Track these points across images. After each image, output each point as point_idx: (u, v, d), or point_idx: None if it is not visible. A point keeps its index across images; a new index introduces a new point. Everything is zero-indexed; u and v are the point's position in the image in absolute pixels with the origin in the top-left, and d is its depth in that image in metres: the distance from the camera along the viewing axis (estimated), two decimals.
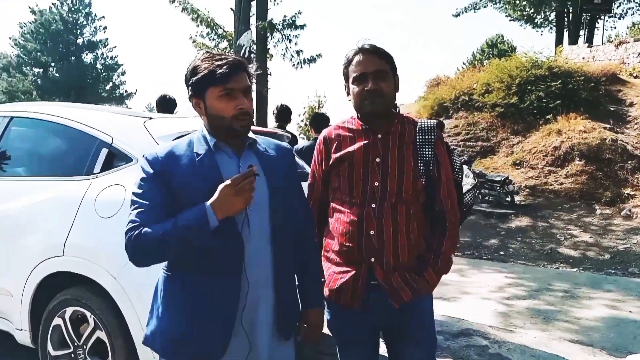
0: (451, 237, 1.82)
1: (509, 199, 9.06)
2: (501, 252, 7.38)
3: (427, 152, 1.77)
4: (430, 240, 1.81)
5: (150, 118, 2.68)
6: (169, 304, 1.52)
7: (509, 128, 11.77)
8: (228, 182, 1.39)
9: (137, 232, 1.40)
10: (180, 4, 12.30)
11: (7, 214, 2.72)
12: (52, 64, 32.27)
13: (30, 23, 31.86)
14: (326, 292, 1.82)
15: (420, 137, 1.78)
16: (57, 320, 2.55)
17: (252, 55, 11.46)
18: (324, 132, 1.90)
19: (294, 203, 1.67)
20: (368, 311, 1.77)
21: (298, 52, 12.69)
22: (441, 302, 4.76)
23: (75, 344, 2.52)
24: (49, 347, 2.58)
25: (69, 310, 2.51)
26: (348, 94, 1.83)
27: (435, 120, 1.86)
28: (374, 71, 1.73)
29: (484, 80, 13.05)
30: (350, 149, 1.79)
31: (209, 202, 1.39)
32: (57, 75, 32.14)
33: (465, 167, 2.11)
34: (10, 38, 32.30)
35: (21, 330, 2.69)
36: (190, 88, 1.53)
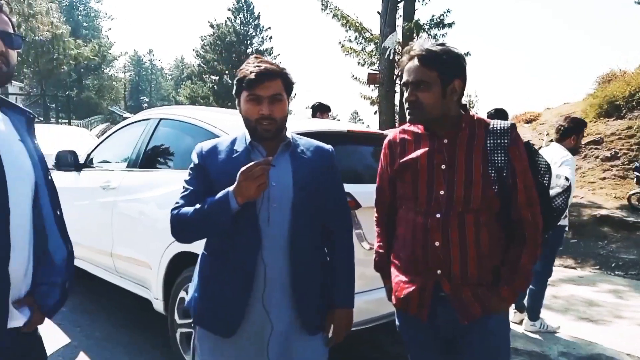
0: (530, 250, 1.65)
1: None
2: None
3: (499, 158, 1.62)
4: (507, 253, 1.67)
5: None
6: (199, 278, 1.71)
7: None
8: (243, 168, 1.49)
9: (177, 211, 1.61)
10: (331, 11, 12.86)
11: (151, 200, 3.23)
12: (226, 72, 36.19)
13: (209, 36, 36.25)
14: (393, 300, 1.81)
15: (492, 141, 1.63)
16: (182, 293, 2.96)
17: (397, 57, 11.52)
18: (389, 136, 1.85)
19: (328, 204, 1.71)
20: (435, 322, 1.71)
21: None
22: (587, 324, 4.29)
23: None
24: (176, 316, 3.01)
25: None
26: None
27: (509, 122, 1.68)
28: (413, 81, 1.65)
29: None
30: (414, 154, 1.71)
31: (232, 187, 1.53)
32: (229, 81, 35.95)
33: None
34: (193, 50, 37.25)
35: (157, 299, 3.18)
36: (234, 88, 1.68)
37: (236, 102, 1.69)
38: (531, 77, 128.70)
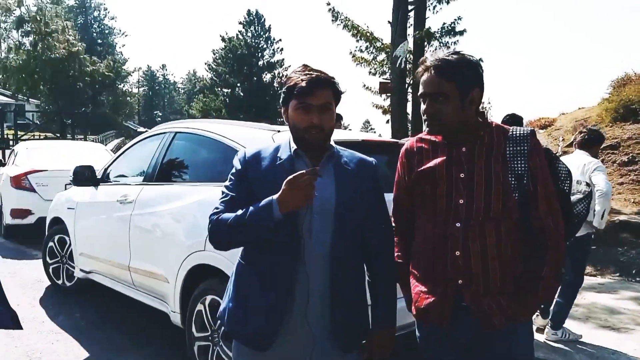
0: (553, 259, 1.62)
1: None
2: None
3: (519, 166, 1.59)
4: (529, 262, 1.63)
5: (279, 131, 2.96)
6: (235, 287, 1.68)
7: None
8: (289, 177, 1.47)
9: (216, 217, 1.59)
10: (341, 22, 12.92)
11: (168, 213, 3.26)
12: (238, 85, 36.54)
13: (221, 49, 36.65)
14: (413, 310, 1.77)
15: (511, 148, 1.60)
16: (199, 306, 2.96)
17: (409, 66, 11.52)
18: (406, 145, 1.83)
19: (370, 219, 1.69)
20: (456, 332, 1.68)
21: None
22: (609, 332, 4.20)
23: (213, 328, 2.90)
24: (193, 329, 3.01)
25: (208, 298, 2.90)
26: None
27: (530, 129, 1.65)
28: (431, 94, 1.62)
29: None
30: (432, 163, 1.68)
31: (276, 196, 1.50)
32: (241, 94, 36.31)
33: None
34: (205, 63, 37.67)
35: (174, 312, 3.19)
36: (281, 96, 1.67)
37: (282, 110, 1.68)
38: (544, 83, 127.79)
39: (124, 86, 40.07)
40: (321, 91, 1.58)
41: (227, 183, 1.68)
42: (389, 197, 1.86)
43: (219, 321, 2.80)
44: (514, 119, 4.40)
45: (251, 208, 1.53)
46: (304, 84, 1.56)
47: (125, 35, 75.04)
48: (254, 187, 1.61)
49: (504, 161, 1.61)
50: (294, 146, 1.65)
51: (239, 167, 1.67)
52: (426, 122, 1.67)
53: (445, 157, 1.67)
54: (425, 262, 1.71)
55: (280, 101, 1.68)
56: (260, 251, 1.62)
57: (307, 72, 1.61)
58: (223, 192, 1.66)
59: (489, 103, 18.31)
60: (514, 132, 1.64)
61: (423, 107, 1.66)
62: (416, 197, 1.75)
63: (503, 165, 1.60)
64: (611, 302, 5.09)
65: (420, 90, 1.65)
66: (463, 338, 1.69)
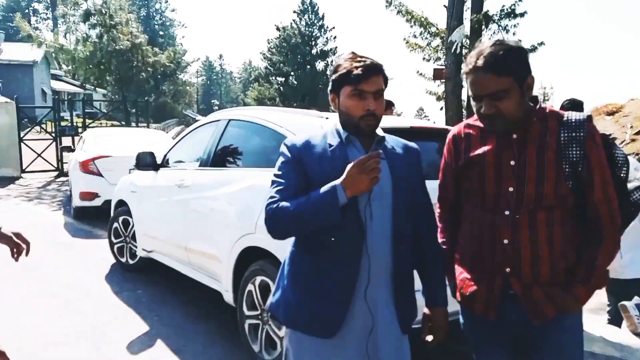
0: (607, 249, 1.56)
1: None
2: None
3: (574, 153, 1.53)
4: (583, 252, 1.59)
5: (327, 118, 3.00)
6: (293, 278, 1.65)
7: None
8: (356, 161, 1.48)
9: (275, 205, 1.56)
10: (395, 7, 12.71)
11: (221, 197, 3.40)
12: (292, 73, 36.75)
13: (276, 39, 37.00)
14: (458, 296, 1.76)
15: (566, 134, 1.54)
16: (249, 286, 3.09)
17: (465, 51, 11.19)
18: (454, 130, 1.79)
19: (416, 200, 1.71)
20: (503, 323, 1.66)
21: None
22: None
23: (262, 307, 3.02)
24: (244, 307, 3.15)
25: (258, 279, 3.02)
26: None
27: (587, 114, 1.57)
28: (488, 94, 1.53)
29: None
30: (481, 150, 1.64)
31: (339, 181, 1.49)
32: (295, 82, 36.53)
33: (635, 160, 1.78)
34: (260, 53, 38.18)
35: (227, 291, 3.33)
36: (330, 83, 1.67)
37: (330, 97, 1.68)
38: (613, 66, 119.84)
39: (183, 76, 41.38)
40: (375, 77, 1.60)
41: (278, 172, 1.65)
42: (435, 183, 1.87)
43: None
44: (573, 104, 4.21)
45: (314, 194, 1.52)
46: (359, 70, 1.57)
47: (185, 27, 77.70)
48: (309, 174, 1.60)
49: (558, 148, 1.55)
50: (344, 132, 1.66)
51: (289, 155, 1.65)
52: (486, 122, 1.60)
53: (494, 144, 1.62)
54: (472, 250, 1.69)
55: (330, 88, 1.68)
56: (322, 238, 1.58)
57: (359, 58, 1.62)
58: (275, 182, 1.63)
59: (552, 88, 17.49)
60: (570, 118, 1.57)
61: (479, 107, 1.58)
62: (464, 184, 1.72)
63: (557, 152, 1.55)
64: None
65: (474, 92, 1.56)
66: (510, 330, 1.67)
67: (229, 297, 3.33)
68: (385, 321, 1.62)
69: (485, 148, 1.64)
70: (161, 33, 56.75)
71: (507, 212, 1.58)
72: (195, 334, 3.61)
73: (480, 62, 1.52)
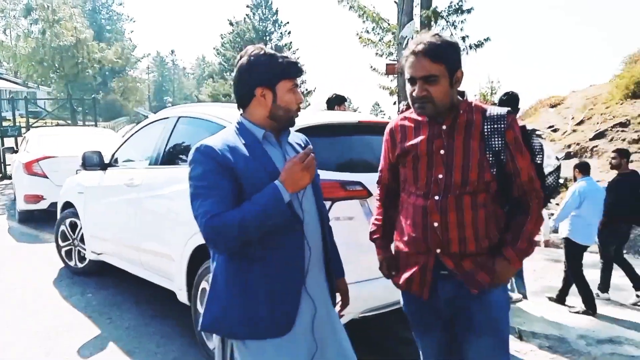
0: (534, 217, 1.74)
1: None
2: None
3: (496, 142, 1.69)
4: (510, 222, 1.75)
5: None
6: (229, 285, 1.58)
7: None
8: (295, 159, 1.52)
9: (217, 220, 1.46)
10: (347, 3, 12.82)
11: (173, 195, 3.35)
12: None
13: (229, 34, 36.56)
14: (397, 279, 1.89)
15: (489, 126, 1.70)
16: (203, 284, 3.07)
17: None
18: (391, 123, 1.92)
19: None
20: (436, 300, 1.79)
21: (463, 38, 12.24)
22: (611, 308, 4.27)
23: None
24: (198, 305, 3.13)
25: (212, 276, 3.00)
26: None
27: (506, 109, 1.74)
28: (422, 77, 1.68)
29: None
30: (415, 140, 1.79)
31: (278, 180, 1.50)
32: None
33: (547, 147, 1.96)
34: (214, 48, 37.64)
35: (181, 290, 3.30)
36: (256, 76, 1.59)
37: (258, 92, 1.60)
38: (556, 60, 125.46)
39: (133, 72, 40.20)
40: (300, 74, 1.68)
41: (203, 182, 1.52)
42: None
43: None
44: (510, 97, 4.44)
45: (254, 200, 1.49)
46: (297, 65, 1.63)
47: (134, 21, 75.17)
48: (240, 177, 1.53)
49: (482, 138, 1.70)
50: (261, 130, 1.63)
51: (212, 161, 1.52)
52: (416, 105, 1.73)
53: (427, 135, 1.76)
54: (408, 234, 1.81)
55: (255, 83, 1.60)
56: (265, 242, 1.55)
57: (283, 55, 1.65)
58: (204, 194, 1.50)
59: (498, 82, 18.09)
60: (492, 112, 1.73)
61: (412, 90, 1.72)
62: (401, 173, 1.86)
63: (481, 142, 1.70)
64: (615, 279, 5.10)
65: (409, 74, 1.71)
66: (443, 309, 1.80)
67: (183, 295, 3.30)
68: (322, 303, 1.68)
69: (419, 139, 1.78)
70: (108, 28, 54.71)
71: (437, 197, 1.72)
72: (149, 335, 3.56)
73: (419, 48, 1.69)
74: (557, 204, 8.55)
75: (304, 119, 2.99)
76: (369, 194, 2.75)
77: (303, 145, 1.78)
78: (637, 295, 4.84)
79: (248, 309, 1.56)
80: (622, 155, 5.27)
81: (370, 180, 2.63)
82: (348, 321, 2.73)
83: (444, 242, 1.71)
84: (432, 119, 1.76)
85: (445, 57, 1.68)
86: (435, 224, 1.72)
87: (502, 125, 1.70)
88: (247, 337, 1.58)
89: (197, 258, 3.12)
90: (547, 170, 1.94)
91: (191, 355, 3.24)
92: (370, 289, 2.72)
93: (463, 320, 1.78)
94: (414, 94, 1.72)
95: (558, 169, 2.08)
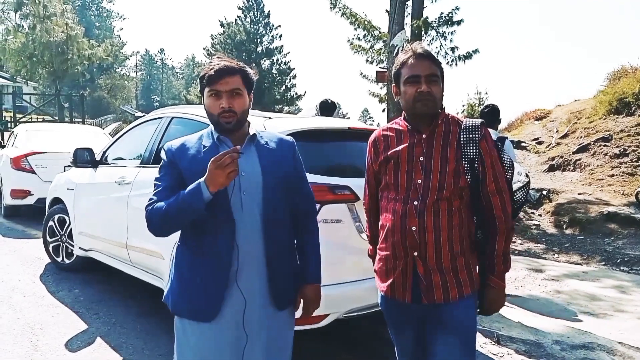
0: (502, 237, 1.84)
1: None
2: None
3: (471, 151, 1.81)
4: (485, 246, 1.86)
5: (270, 118, 3.10)
6: (176, 269, 1.81)
7: None
8: (213, 158, 1.59)
9: (151, 207, 1.71)
10: (340, 10, 12.95)
11: None
12: None
13: (220, 35, 36.50)
14: (378, 284, 1.97)
15: (465, 136, 1.83)
16: None
17: None
18: (374, 134, 2.03)
19: (294, 189, 1.86)
20: (411, 305, 1.87)
21: (453, 49, 12.42)
22: (587, 317, 4.39)
23: None
24: None
25: None
26: (397, 94, 1.91)
27: (480, 120, 1.88)
28: (427, 75, 1.81)
29: None
30: (397, 148, 1.89)
31: (202, 178, 1.62)
32: None
33: (517, 165, 2.08)
34: (204, 49, 37.56)
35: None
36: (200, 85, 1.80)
37: (202, 99, 1.79)
38: (543, 74, 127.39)
39: (121, 70, 39.95)
40: (230, 78, 1.72)
41: (158, 175, 1.79)
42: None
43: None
44: (491, 110, 4.60)
45: (182, 193, 1.65)
46: (212, 72, 1.72)
47: (124, 19, 74.65)
48: (185, 176, 1.72)
49: (459, 147, 1.83)
50: (216, 133, 1.78)
51: (166, 159, 1.78)
52: (420, 103, 1.82)
53: (408, 143, 1.88)
54: (387, 239, 1.90)
55: (199, 91, 1.81)
56: (196, 232, 1.73)
57: (216, 61, 1.76)
58: (155, 184, 1.77)
59: (486, 93, 18.40)
60: (467, 123, 1.87)
61: (416, 88, 1.81)
62: (382, 180, 1.95)
63: (457, 150, 1.83)
64: (593, 289, 5.26)
65: (412, 73, 1.82)
66: (417, 310, 1.89)
67: None
68: (257, 301, 1.74)
69: (401, 147, 1.90)
70: (98, 24, 54.38)
71: (415, 202, 1.82)
72: (136, 330, 3.60)
73: (420, 50, 1.85)
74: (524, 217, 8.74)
75: (295, 124, 3.09)
76: (357, 198, 2.85)
77: (276, 148, 1.85)
78: None
79: (184, 290, 1.76)
80: None
81: (358, 184, 2.73)
82: (332, 321, 2.82)
83: (421, 245, 1.81)
84: (422, 121, 1.87)
85: (439, 63, 1.86)
86: (414, 228, 1.81)
87: (477, 135, 1.83)
88: (182, 315, 1.78)
89: None
90: (516, 186, 2.04)
91: None
92: (355, 290, 2.81)
93: (432, 318, 1.88)
94: (418, 90, 1.81)
95: (527, 185, 2.20)
